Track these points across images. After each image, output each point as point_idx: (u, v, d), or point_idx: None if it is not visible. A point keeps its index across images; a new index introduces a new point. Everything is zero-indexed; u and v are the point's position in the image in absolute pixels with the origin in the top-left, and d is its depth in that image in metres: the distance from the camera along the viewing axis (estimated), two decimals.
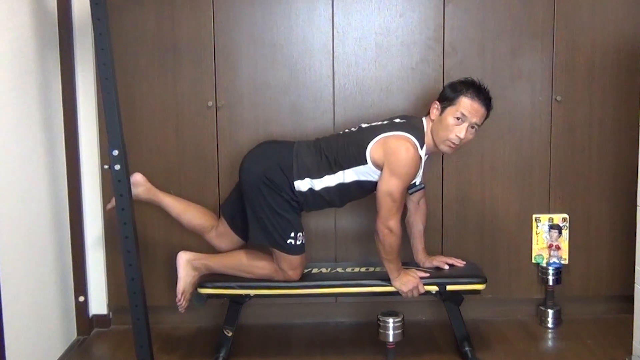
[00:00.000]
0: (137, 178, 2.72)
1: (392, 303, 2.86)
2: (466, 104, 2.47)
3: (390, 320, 2.57)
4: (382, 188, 2.44)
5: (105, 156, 2.89)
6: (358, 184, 2.54)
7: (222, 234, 2.78)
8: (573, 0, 2.94)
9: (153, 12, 2.89)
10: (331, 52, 2.94)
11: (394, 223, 2.46)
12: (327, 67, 2.95)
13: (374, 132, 2.51)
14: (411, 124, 2.54)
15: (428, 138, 2.54)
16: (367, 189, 2.56)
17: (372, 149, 2.47)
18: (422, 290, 2.59)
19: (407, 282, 2.57)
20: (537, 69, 2.98)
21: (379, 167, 2.47)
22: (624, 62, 2.98)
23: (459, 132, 2.47)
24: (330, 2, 2.92)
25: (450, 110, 2.48)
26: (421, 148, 2.49)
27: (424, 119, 2.59)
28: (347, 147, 2.52)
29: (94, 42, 2.46)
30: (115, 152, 2.36)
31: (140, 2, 2.88)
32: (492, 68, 2.97)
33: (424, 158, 2.52)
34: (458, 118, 2.47)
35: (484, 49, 2.96)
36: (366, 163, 2.48)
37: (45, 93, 2.64)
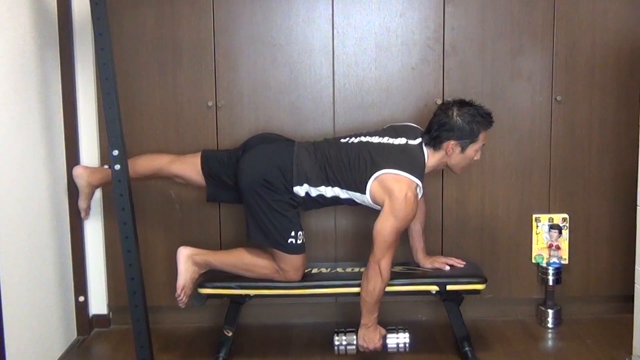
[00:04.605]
0: (78, 171, 2.79)
1: (391, 303, 2.86)
2: (484, 135, 2.57)
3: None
4: (377, 226, 2.46)
5: (105, 156, 2.89)
6: (353, 202, 2.58)
7: (186, 165, 2.75)
8: (573, 0, 2.94)
9: (153, 12, 2.89)
10: (331, 52, 2.94)
11: (385, 263, 2.46)
12: (327, 67, 2.95)
13: (377, 162, 2.48)
14: (413, 158, 2.52)
15: (430, 167, 2.56)
16: (361, 206, 2.60)
17: (373, 184, 2.47)
18: (376, 350, 2.55)
19: (369, 339, 2.53)
20: (537, 69, 2.98)
21: (376, 202, 2.50)
22: (624, 62, 2.98)
23: (478, 156, 2.60)
24: (330, 2, 2.92)
25: (473, 146, 2.55)
26: (420, 182, 2.49)
27: (425, 149, 2.55)
28: (348, 170, 2.52)
29: (94, 42, 2.46)
30: (115, 152, 2.36)
31: (140, 2, 2.89)
32: (492, 68, 2.97)
33: (420, 194, 2.51)
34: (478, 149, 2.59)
35: (484, 49, 2.96)
36: (364, 193, 2.50)
37: (45, 93, 2.64)
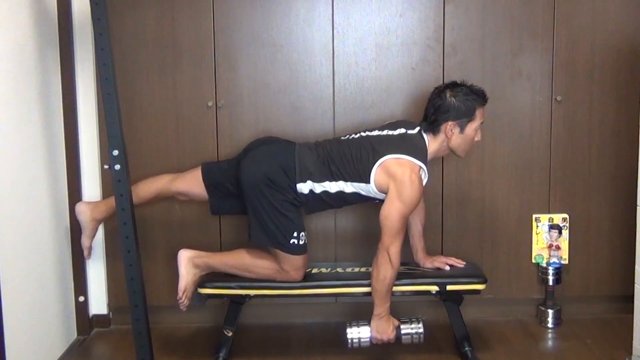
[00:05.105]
0: (81, 207, 2.75)
1: (392, 303, 2.85)
2: (481, 112, 2.57)
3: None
4: (383, 212, 2.45)
5: (105, 156, 2.89)
6: (358, 196, 2.57)
7: (187, 180, 2.74)
8: (573, 0, 2.94)
9: (153, 12, 2.89)
10: (331, 52, 2.94)
11: (394, 250, 2.44)
12: (327, 67, 2.95)
13: (379, 150, 2.50)
14: (413, 144, 2.54)
15: (432, 153, 2.57)
16: (367, 200, 2.59)
17: (377, 171, 2.47)
18: (390, 341, 2.53)
19: (382, 330, 2.51)
20: (537, 69, 2.98)
21: (382, 190, 2.49)
22: (624, 62, 2.98)
23: (478, 136, 2.59)
24: (330, 2, 2.92)
25: (471, 124, 2.55)
26: (425, 166, 2.49)
27: (424, 135, 2.57)
28: (351, 162, 2.52)
29: (94, 42, 2.46)
30: (115, 152, 2.36)
31: (140, 2, 2.89)
32: (492, 68, 2.97)
33: (424, 179, 2.52)
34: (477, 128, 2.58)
35: (484, 49, 2.96)
36: (369, 182, 2.49)
37: (45, 93, 2.64)
